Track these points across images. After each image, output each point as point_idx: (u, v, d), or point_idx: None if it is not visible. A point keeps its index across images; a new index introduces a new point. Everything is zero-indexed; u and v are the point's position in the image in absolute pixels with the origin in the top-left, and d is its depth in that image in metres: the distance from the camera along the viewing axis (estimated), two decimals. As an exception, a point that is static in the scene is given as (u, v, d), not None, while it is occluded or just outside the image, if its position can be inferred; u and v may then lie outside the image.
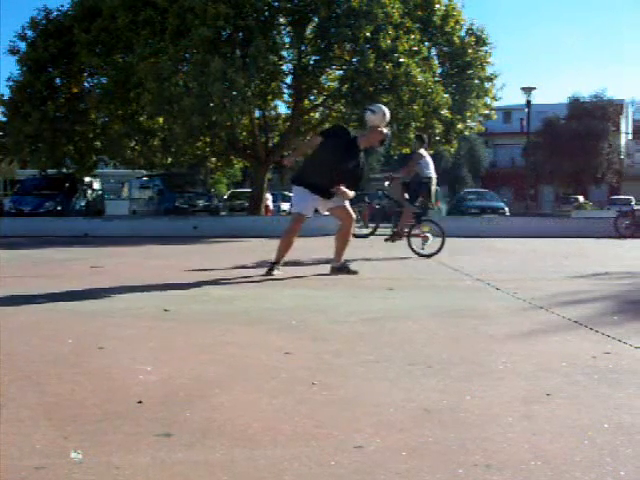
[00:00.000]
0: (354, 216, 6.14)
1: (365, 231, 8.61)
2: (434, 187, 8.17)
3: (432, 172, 8.14)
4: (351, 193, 5.90)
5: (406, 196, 8.08)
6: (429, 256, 7.61)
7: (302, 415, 2.01)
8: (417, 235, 7.90)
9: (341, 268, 5.98)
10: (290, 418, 1.98)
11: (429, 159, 8.23)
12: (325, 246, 7.77)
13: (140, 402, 2.12)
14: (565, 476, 1.57)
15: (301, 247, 7.05)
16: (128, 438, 1.81)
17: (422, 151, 8.19)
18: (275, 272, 5.83)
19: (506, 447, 1.75)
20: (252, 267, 6.69)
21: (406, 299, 4.58)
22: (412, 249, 7.76)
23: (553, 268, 7.07)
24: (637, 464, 1.64)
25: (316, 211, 6.29)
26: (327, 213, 6.25)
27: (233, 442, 1.78)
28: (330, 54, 15.27)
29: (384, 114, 6.13)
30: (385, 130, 6.13)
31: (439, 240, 7.70)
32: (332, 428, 1.89)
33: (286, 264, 6.22)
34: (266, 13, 14.81)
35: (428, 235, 7.75)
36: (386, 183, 8.73)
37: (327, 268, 6.16)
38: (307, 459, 1.66)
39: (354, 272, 5.92)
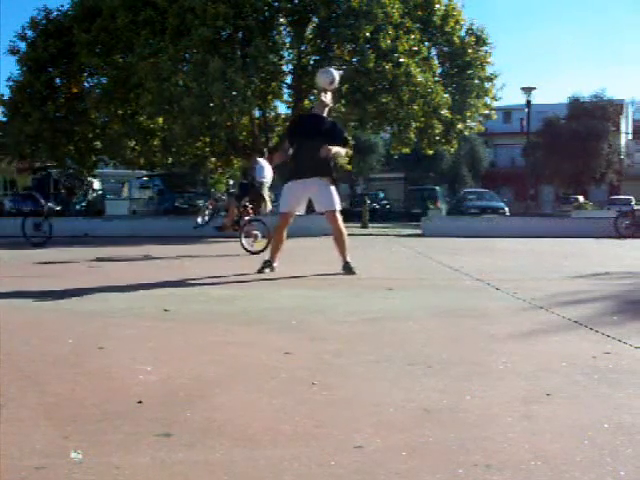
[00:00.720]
0: (340, 218, 6.14)
1: (199, 221, 9.61)
2: (267, 190, 9.05)
3: (266, 177, 8.93)
4: (342, 150, 6.17)
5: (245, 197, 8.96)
6: (256, 253, 8.07)
7: (302, 415, 2.01)
8: (249, 234, 8.60)
9: (344, 267, 6.02)
10: (290, 418, 1.98)
11: (266, 165, 9.03)
12: (325, 246, 7.76)
13: (140, 402, 2.12)
14: (565, 476, 1.57)
15: (301, 247, 7.07)
16: (128, 438, 1.81)
17: (258, 159, 9.31)
18: (267, 270, 6.01)
19: (506, 447, 1.75)
20: (252, 267, 6.68)
21: (406, 299, 4.58)
22: (242, 245, 8.43)
23: (553, 268, 7.07)
24: (637, 464, 1.64)
25: (321, 214, 6.38)
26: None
27: (233, 442, 1.78)
28: (330, 54, 15.25)
29: (327, 78, 6.25)
30: (326, 98, 6.26)
31: (266, 239, 8.27)
32: (332, 428, 1.89)
33: (285, 264, 6.24)
34: (266, 13, 14.80)
35: (257, 233, 8.48)
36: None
37: (326, 268, 6.22)
38: (307, 459, 1.66)
39: (353, 272, 5.93)
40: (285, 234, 6.19)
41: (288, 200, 6.14)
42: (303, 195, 6.13)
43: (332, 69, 6.67)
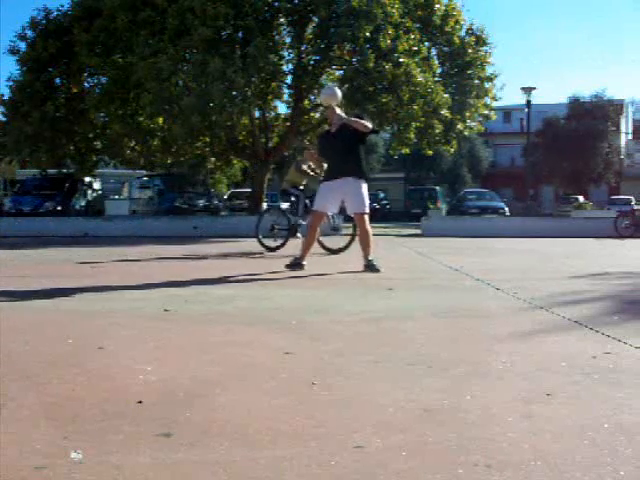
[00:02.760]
0: (367, 220, 6.33)
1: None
2: None
3: None
4: (368, 123, 6.32)
5: None
6: None
7: (302, 415, 2.01)
8: None
9: (367, 266, 6.16)
10: (290, 418, 1.98)
11: None
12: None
13: (140, 402, 2.12)
14: (565, 476, 1.56)
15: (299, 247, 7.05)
16: (128, 438, 1.81)
17: None
18: (297, 268, 6.18)
19: (506, 447, 1.75)
20: (252, 267, 6.69)
21: (406, 299, 4.58)
22: None
23: (553, 268, 7.07)
24: (637, 464, 1.64)
25: (341, 212, 6.74)
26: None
27: (233, 442, 1.78)
28: (330, 54, 15.24)
29: (330, 94, 6.56)
30: (336, 110, 6.42)
31: None
32: (332, 428, 1.89)
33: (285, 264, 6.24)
34: (266, 13, 14.80)
35: None
36: None
37: (327, 268, 6.27)
38: (307, 459, 1.66)
39: (377, 270, 6.08)
40: (318, 233, 6.42)
41: (320, 200, 6.42)
42: (336, 195, 6.33)
43: (333, 86, 7.22)
